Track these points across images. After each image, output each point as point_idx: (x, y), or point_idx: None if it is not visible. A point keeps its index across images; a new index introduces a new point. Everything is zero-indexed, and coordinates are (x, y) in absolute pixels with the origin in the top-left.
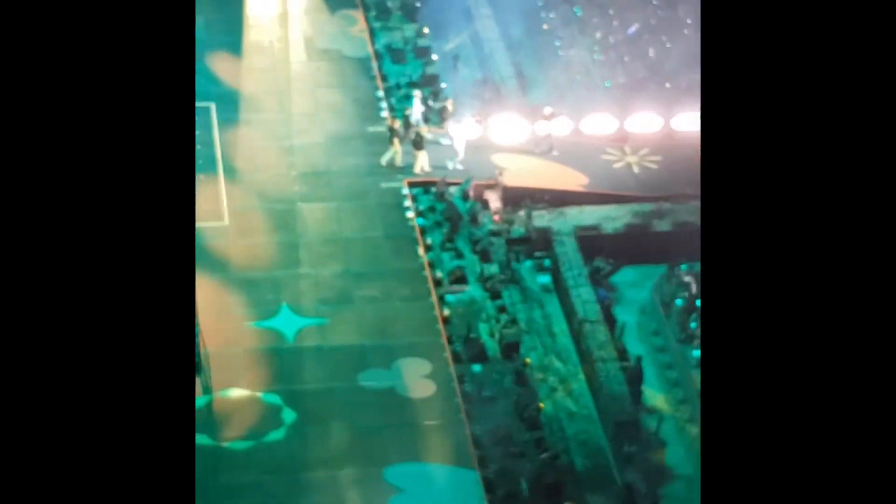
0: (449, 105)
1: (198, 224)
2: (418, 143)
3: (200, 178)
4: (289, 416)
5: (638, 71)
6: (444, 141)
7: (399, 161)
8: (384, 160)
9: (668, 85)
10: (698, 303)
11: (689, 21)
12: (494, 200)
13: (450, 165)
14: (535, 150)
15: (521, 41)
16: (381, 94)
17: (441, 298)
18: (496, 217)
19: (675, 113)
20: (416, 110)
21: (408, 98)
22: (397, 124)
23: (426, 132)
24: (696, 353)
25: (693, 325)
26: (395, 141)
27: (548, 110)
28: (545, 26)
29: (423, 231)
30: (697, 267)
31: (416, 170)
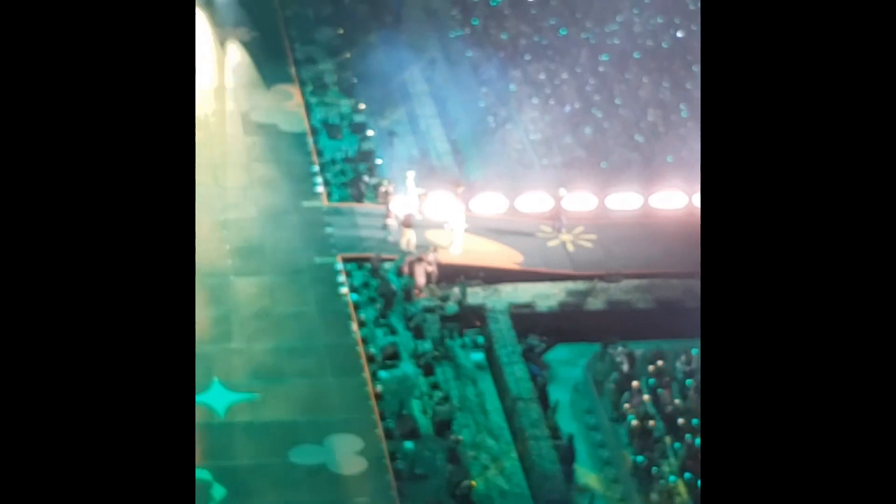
0: (389, 187)
1: None
2: (407, 221)
3: None
4: (219, 492)
5: (574, 150)
6: (446, 226)
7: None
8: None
9: (603, 164)
10: (641, 381)
11: (622, 101)
12: (420, 275)
13: (452, 251)
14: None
15: (458, 118)
16: (316, 168)
17: (374, 374)
18: (418, 292)
19: (610, 192)
20: (410, 190)
21: (343, 174)
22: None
23: (419, 212)
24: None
25: (623, 404)
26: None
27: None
28: (482, 104)
29: (357, 307)
30: (631, 346)
31: (402, 246)
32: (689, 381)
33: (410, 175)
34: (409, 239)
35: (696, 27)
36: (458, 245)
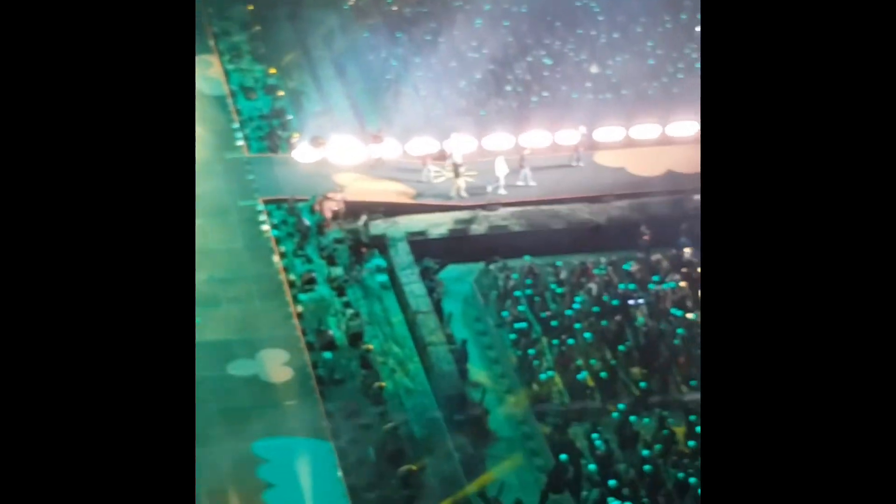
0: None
1: None
2: (456, 172)
3: None
4: None
5: (455, 101)
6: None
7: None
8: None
9: (482, 113)
10: (518, 293)
11: (493, 58)
12: (329, 212)
13: (489, 189)
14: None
15: (355, 79)
16: (236, 125)
17: (294, 298)
18: (328, 225)
19: (486, 134)
20: (456, 146)
21: (260, 129)
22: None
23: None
24: (511, 336)
25: (505, 312)
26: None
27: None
28: (375, 65)
29: (278, 241)
30: (510, 263)
31: (452, 194)
32: (559, 290)
33: (455, 136)
34: (458, 187)
35: None
36: (500, 187)
